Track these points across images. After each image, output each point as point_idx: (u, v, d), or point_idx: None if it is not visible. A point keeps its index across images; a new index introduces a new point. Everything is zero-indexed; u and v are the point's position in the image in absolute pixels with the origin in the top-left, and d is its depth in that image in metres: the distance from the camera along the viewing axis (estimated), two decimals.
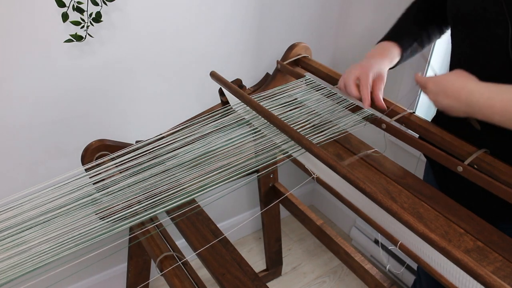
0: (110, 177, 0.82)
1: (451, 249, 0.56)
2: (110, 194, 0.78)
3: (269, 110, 0.85)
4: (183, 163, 0.83)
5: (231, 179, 0.78)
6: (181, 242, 0.96)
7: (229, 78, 1.00)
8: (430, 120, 0.90)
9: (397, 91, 1.39)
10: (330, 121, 0.89)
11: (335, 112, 0.92)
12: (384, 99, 0.92)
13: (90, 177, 0.82)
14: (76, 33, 1.01)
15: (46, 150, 1.17)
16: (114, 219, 0.73)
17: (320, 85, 0.99)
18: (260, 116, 0.87)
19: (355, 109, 0.91)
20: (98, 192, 0.79)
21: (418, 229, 0.59)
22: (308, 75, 1.05)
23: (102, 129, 1.24)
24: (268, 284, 1.23)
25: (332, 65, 1.63)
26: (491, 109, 0.65)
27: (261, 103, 0.89)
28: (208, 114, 0.95)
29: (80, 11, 0.97)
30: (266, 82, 1.12)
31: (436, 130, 0.82)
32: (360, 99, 0.84)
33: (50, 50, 1.04)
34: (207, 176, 0.78)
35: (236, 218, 1.77)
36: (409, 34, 0.90)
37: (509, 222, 0.78)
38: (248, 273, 0.90)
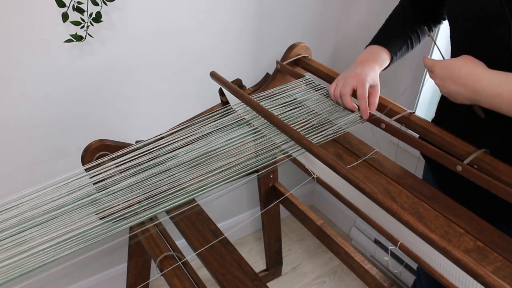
0: (110, 177, 0.82)
1: (451, 249, 0.56)
2: (110, 194, 0.78)
3: (269, 110, 0.85)
4: (183, 163, 0.83)
5: (231, 179, 0.78)
6: (181, 242, 0.96)
7: (229, 78, 1.00)
8: (430, 121, 0.90)
9: (397, 91, 1.39)
10: (330, 121, 0.89)
11: (335, 112, 0.92)
12: (383, 98, 0.93)
13: (90, 177, 0.82)
14: (76, 33, 1.01)
15: (46, 150, 1.17)
16: (114, 219, 0.73)
17: (319, 85, 1.00)
18: (260, 116, 0.87)
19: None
20: (98, 192, 0.79)
21: (418, 229, 0.59)
22: (308, 75, 1.05)
23: (102, 129, 1.24)
24: (268, 284, 1.23)
25: (332, 65, 1.63)
26: (499, 97, 0.64)
27: (261, 103, 0.89)
28: (208, 114, 0.95)
29: (80, 11, 0.97)
30: (266, 82, 1.12)
31: (436, 130, 0.82)
32: (353, 110, 0.87)
33: (50, 50, 1.04)
34: (207, 176, 0.78)
35: (236, 218, 1.77)
36: (398, 36, 0.90)
37: (509, 222, 0.78)
38: (248, 273, 0.90)
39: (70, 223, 0.73)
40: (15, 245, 0.70)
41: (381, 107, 0.91)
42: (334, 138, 0.87)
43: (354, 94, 0.87)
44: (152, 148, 0.87)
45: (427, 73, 0.78)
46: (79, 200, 0.77)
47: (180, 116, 1.12)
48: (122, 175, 0.82)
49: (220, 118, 0.93)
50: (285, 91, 0.99)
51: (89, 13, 0.99)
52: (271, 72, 1.13)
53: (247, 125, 0.91)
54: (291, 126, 0.80)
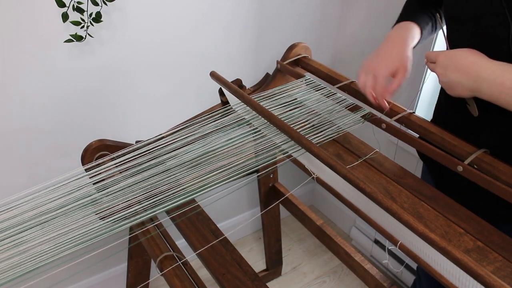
0: (110, 177, 0.82)
1: (451, 249, 0.56)
2: (110, 194, 0.78)
3: (269, 110, 0.85)
4: (183, 163, 0.83)
5: (231, 179, 0.78)
6: (181, 242, 0.96)
7: (229, 78, 1.00)
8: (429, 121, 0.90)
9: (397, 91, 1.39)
10: (330, 121, 0.89)
11: (335, 112, 0.92)
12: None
13: (90, 177, 0.82)
14: (76, 33, 1.01)
15: (46, 150, 1.17)
16: (114, 219, 0.73)
17: (320, 85, 1.00)
18: (260, 116, 0.87)
19: (354, 108, 0.91)
20: (98, 192, 0.79)
21: (418, 229, 0.59)
22: (308, 75, 1.05)
23: (102, 129, 1.24)
24: (268, 284, 1.22)
25: (332, 65, 1.63)
26: (501, 86, 0.64)
27: (261, 103, 0.89)
28: (208, 114, 0.95)
29: (80, 11, 0.97)
30: (266, 82, 1.12)
31: (436, 130, 0.82)
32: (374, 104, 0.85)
33: (50, 50, 1.04)
34: (207, 176, 0.78)
35: (236, 218, 1.77)
36: (424, 13, 0.86)
37: (508, 223, 0.78)
38: (248, 273, 0.90)
39: (70, 223, 0.73)
40: (15, 245, 0.70)
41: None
42: (334, 138, 0.87)
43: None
44: (152, 148, 0.87)
45: (426, 64, 0.77)
46: (79, 200, 0.78)
47: (180, 116, 1.12)
48: (122, 175, 0.82)
49: (220, 118, 0.93)
50: (285, 91, 0.99)
51: (89, 13, 0.99)
52: (271, 72, 1.13)
53: (247, 125, 0.91)
54: (291, 126, 0.80)
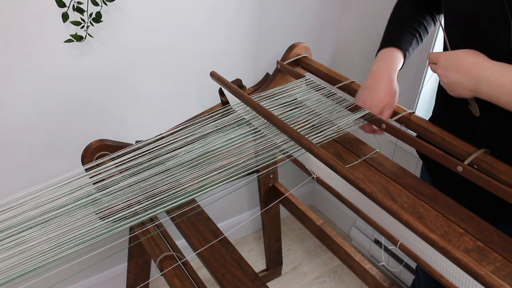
0: (110, 177, 0.82)
1: (451, 249, 0.56)
2: (110, 194, 0.78)
3: (269, 110, 0.85)
4: (183, 163, 0.83)
5: (231, 179, 0.78)
6: (181, 242, 0.96)
7: (229, 78, 1.00)
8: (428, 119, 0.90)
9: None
10: (330, 121, 0.89)
11: (335, 112, 0.92)
12: None
13: (90, 177, 0.82)
14: (76, 33, 1.01)
15: (46, 150, 1.17)
16: (114, 219, 0.73)
17: (320, 85, 0.99)
18: (260, 116, 0.87)
19: (355, 108, 0.91)
20: (98, 192, 0.79)
21: (418, 229, 0.60)
22: (308, 75, 1.05)
23: (102, 129, 1.24)
24: (268, 284, 1.22)
25: (332, 65, 1.63)
26: (501, 87, 0.65)
27: (261, 103, 0.89)
28: (208, 114, 0.95)
29: (80, 11, 0.97)
30: (266, 82, 1.12)
31: (436, 130, 0.82)
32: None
33: (50, 50, 1.04)
34: (207, 176, 0.78)
35: (236, 218, 1.77)
36: (406, 33, 0.90)
37: (506, 222, 0.78)
38: (248, 273, 0.90)
39: (70, 223, 0.73)
40: (15, 245, 0.70)
41: None
42: (334, 138, 0.87)
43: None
44: (152, 148, 0.87)
45: (429, 65, 0.78)
46: (79, 200, 0.77)
47: (180, 116, 1.12)
48: (122, 175, 0.82)
49: (220, 118, 0.93)
50: (285, 91, 0.99)
51: (89, 13, 0.99)
52: (271, 72, 1.13)
53: (247, 125, 0.91)
54: (291, 126, 0.80)
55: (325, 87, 0.98)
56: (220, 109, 0.97)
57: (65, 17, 0.96)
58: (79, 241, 0.70)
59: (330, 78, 1.03)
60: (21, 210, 0.75)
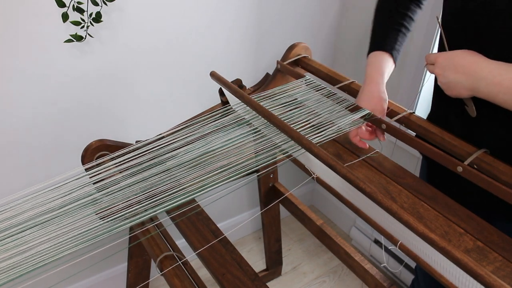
0: (110, 177, 0.82)
1: (451, 249, 0.56)
2: (110, 194, 0.78)
3: (269, 110, 0.85)
4: (183, 163, 0.83)
5: (231, 179, 0.78)
6: (181, 242, 0.96)
7: (229, 78, 1.00)
8: (426, 117, 0.91)
9: (397, 90, 1.39)
10: (330, 121, 0.89)
11: (335, 112, 0.92)
12: None
13: (90, 177, 0.82)
14: (76, 33, 1.01)
15: (46, 150, 1.17)
16: (114, 219, 0.73)
17: (320, 85, 0.99)
18: (260, 116, 0.87)
19: (355, 108, 0.91)
20: (98, 192, 0.79)
21: (418, 229, 0.60)
22: (308, 75, 1.05)
23: (102, 129, 1.24)
24: (268, 284, 1.23)
25: (332, 65, 1.63)
26: (499, 86, 0.65)
27: (261, 103, 0.89)
28: (208, 114, 0.95)
29: (80, 11, 0.97)
30: (266, 82, 1.12)
31: (436, 130, 0.82)
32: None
33: (50, 50, 1.04)
34: (207, 176, 0.78)
35: (236, 218, 1.77)
36: (392, 30, 0.90)
37: (506, 220, 0.78)
38: (248, 273, 0.90)
39: (70, 223, 0.73)
40: (15, 245, 0.70)
41: None
42: (334, 138, 0.87)
43: None
44: (152, 148, 0.87)
45: (426, 66, 0.78)
46: (79, 200, 0.77)
47: (180, 116, 1.12)
48: (122, 175, 0.82)
49: (220, 118, 0.93)
50: (285, 91, 0.99)
51: (89, 13, 0.99)
52: (271, 72, 1.13)
53: (247, 125, 0.91)
54: (291, 126, 0.80)
55: (325, 87, 0.98)
56: (220, 109, 0.97)
57: (65, 17, 0.96)
58: (79, 241, 0.70)
59: (330, 78, 1.03)
60: (21, 210, 0.75)
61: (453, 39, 0.77)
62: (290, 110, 0.93)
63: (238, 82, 1.07)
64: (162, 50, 1.21)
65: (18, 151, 1.13)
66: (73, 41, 1.01)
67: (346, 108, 0.91)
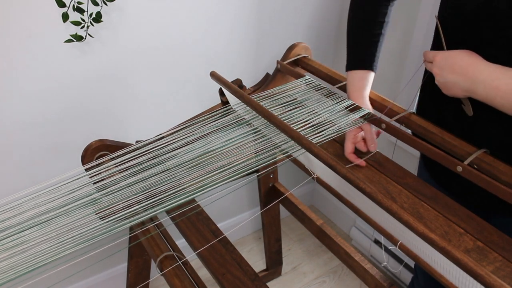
0: (110, 177, 0.82)
1: (451, 249, 0.56)
2: (110, 194, 0.78)
3: (269, 110, 0.85)
4: (183, 163, 0.83)
5: (231, 179, 0.78)
6: (181, 242, 0.96)
7: (229, 78, 1.00)
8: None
9: (397, 90, 1.39)
10: (330, 121, 0.89)
11: (335, 112, 0.92)
12: (383, 98, 0.93)
13: (90, 177, 0.82)
14: (76, 33, 1.01)
15: (46, 150, 1.17)
16: (114, 219, 0.73)
17: (319, 85, 1.00)
18: (260, 116, 0.87)
19: (355, 108, 0.91)
20: (98, 192, 0.79)
21: (418, 229, 0.60)
22: (308, 75, 1.05)
23: (102, 129, 1.24)
24: (268, 284, 1.23)
25: (332, 65, 1.63)
26: (496, 89, 0.64)
27: (261, 103, 0.89)
28: (208, 114, 0.95)
29: (80, 11, 0.97)
30: (266, 82, 1.12)
31: (436, 130, 0.82)
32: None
33: (50, 50, 1.04)
34: (207, 176, 0.78)
35: (236, 218, 1.77)
36: (366, 45, 0.92)
37: (505, 216, 0.78)
38: (248, 273, 0.90)
39: (70, 223, 0.73)
40: (15, 245, 0.70)
41: (381, 107, 0.91)
42: (334, 138, 0.87)
43: None
44: (152, 148, 0.87)
45: (424, 63, 0.78)
46: (79, 200, 0.78)
47: (180, 116, 1.12)
48: (122, 175, 0.82)
49: (220, 118, 0.93)
50: (285, 91, 0.99)
51: (89, 13, 0.99)
52: (271, 72, 1.13)
53: (247, 125, 0.91)
54: (291, 126, 0.80)
55: (325, 87, 0.98)
56: (220, 109, 0.97)
57: (65, 17, 0.96)
58: (79, 241, 0.70)
59: (330, 78, 1.03)
60: (21, 210, 0.75)
61: (451, 38, 0.76)
62: (290, 110, 0.93)
63: (238, 82, 1.07)
64: (162, 50, 1.21)
65: (18, 151, 1.13)
66: (73, 41, 1.01)
67: (346, 108, 0.91)
